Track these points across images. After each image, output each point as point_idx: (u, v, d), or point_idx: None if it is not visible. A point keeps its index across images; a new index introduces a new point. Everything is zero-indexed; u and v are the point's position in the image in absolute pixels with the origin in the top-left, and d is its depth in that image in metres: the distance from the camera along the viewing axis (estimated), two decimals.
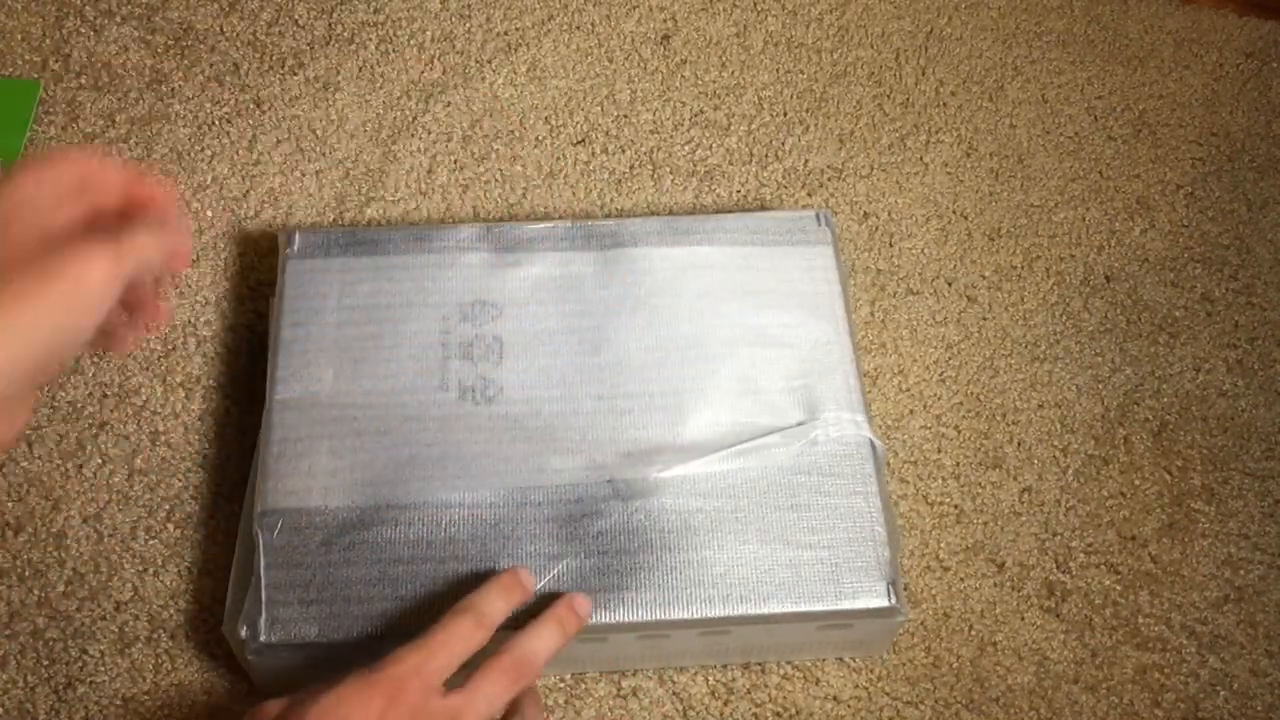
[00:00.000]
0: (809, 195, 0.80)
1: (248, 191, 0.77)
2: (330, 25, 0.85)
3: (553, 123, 0.82)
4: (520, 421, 0.63)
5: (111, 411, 0.68)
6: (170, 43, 0.83)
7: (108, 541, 0.64)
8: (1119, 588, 0.68)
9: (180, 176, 0.77)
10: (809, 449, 0.63)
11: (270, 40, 0.84)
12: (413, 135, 0.80)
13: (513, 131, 0.81)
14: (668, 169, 0.81)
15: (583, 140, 0.82)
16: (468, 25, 0.86)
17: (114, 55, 0.82)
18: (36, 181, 0.45)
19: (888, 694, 0.63)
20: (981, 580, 0.67)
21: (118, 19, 0.83)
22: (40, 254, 0.43)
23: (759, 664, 0.63)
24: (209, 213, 0.76)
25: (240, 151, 0.79)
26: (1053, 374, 0.75)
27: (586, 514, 0.61)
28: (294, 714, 0.49)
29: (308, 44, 0.84)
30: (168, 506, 0.66)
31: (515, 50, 0.85)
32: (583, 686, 0.62)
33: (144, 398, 0.69)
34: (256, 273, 0.74)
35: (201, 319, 0.72)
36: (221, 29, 0.84)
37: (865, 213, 0.80)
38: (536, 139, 0.81)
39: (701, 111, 0.84)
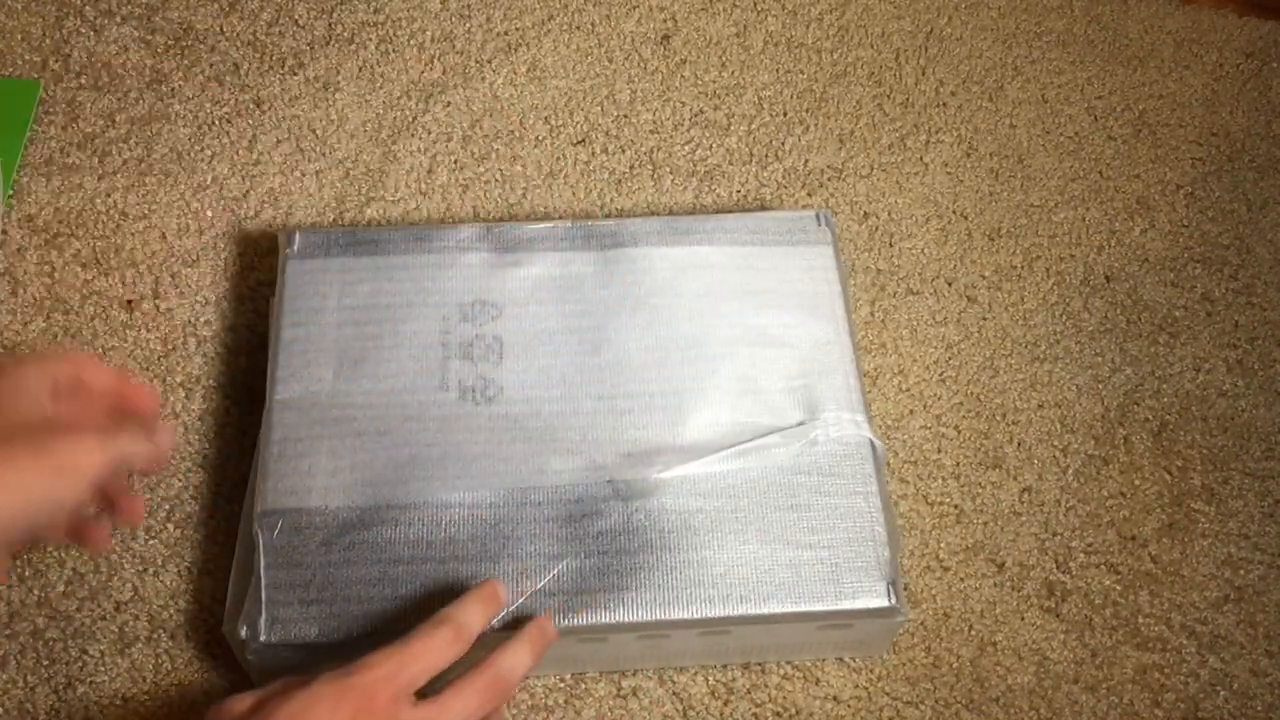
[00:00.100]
0: (809, 195, 0.80)
1: (248, 191, 0.77)
2: (330, 25, 0.85)
3: (553, 123, 0.82)
4: (520, 421, 0.63)
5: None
6: (170, 43, 0.83)
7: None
8: (1119, 588, 0.68)
9: (180, 176, 0.77)
10: (809, 449, 0.63)
11: (270, 40, 0.84)
12: (413, 135, 0.81)
13: (513, 131, 0.82)
14: (668, 169, 0.81)
15: (583, 140, 0.82)
16: (468, 25, 0.86)
17: (114, 55, 0.82)
18: (38, 372, 0.52)
19: (888, 694, 0.63)
20: (981, 580, 0.67)
21: (118, 19, 0.83)
22: (36, 433, 0.49)
23: (759, 664, 0.63)
24: (209, 213, 0.76)
25: (240, 151, 0.79)
26: (1053, 374, 0.75)
27: (586, 514, 0.61)
28: (261, 715, 0.48)
29: (308, 44, 0.84)
30: (168, 506, 0.66)
31: (515, 50, 0.85)
32: (583, 686, 0.62)
33: None
34: (256, 273, 0.74)
35: (201, 319, 0.72)
36: (221, 29, 0.84)
37: (865, 213, 0.80)
38: (536, 139, 0.81)
39: (701, 111, 0.84)
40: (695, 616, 0.59)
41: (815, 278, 0.70)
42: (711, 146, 0.82)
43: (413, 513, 0.61)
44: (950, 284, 0.78)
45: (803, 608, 0.59)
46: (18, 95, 0.79)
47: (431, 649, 0.52)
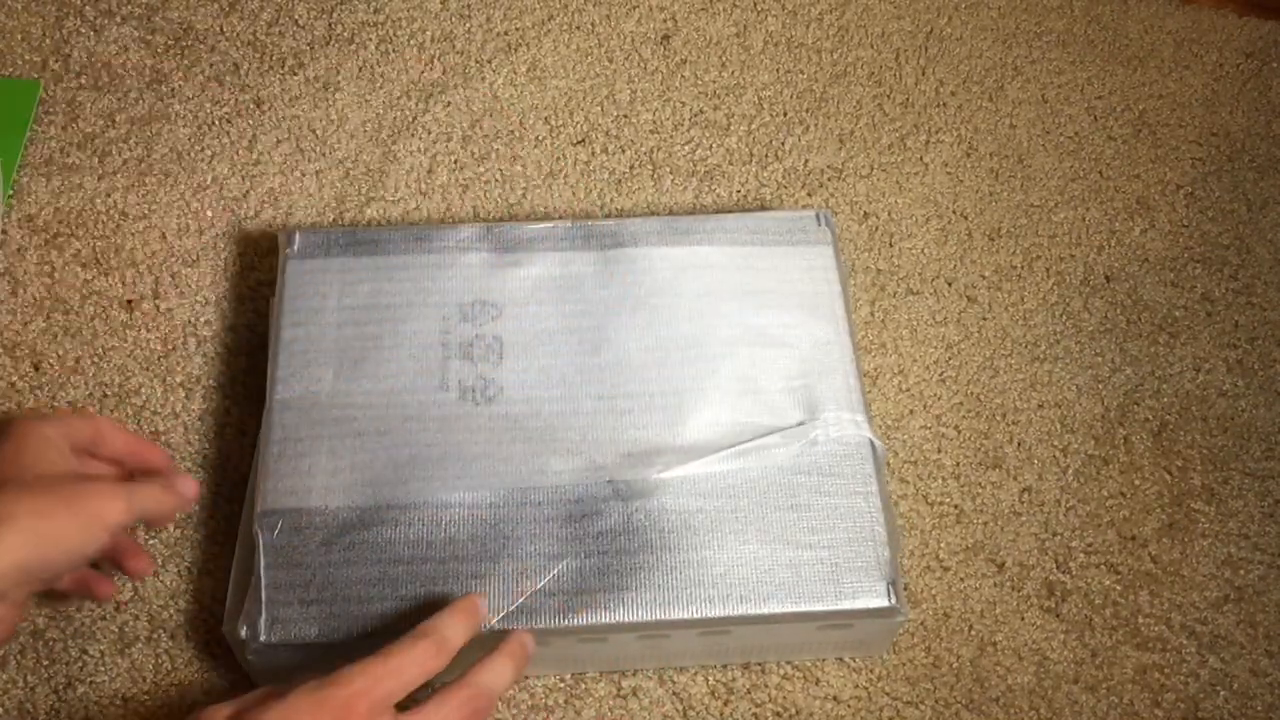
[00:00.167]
0: (809, 195, 0.80)
1: (248, 191, 0.77)
2: (330, 25, 0.85)
3: (553, 123, 0.82)
4: (520, 422, 0.63)
5: (111, 411, 0.68)
6: (170, 43, 0.83)
7: None
8: (1119, 588, 0.68)
9: (180, 176, 0.77)
10: (809, 449, 0.63)
11: (270, 40, 0.84)
12: (413, 135, 0.81)
13: (513, 131, 0.82)
14: (668, 169, 0.81)
15: (583, 140, 0.82)
16: (468, 25, 0.86)
17: (114, 55, 0.82)
18: (59, 430, 0.55)
19: (888, 694, 0.63)
20: (981, 580, 0.67)
21: (118, 19, 0.83)
22: (64, 484, 0.52)
23: (759, 664, 0.63)
24: (209, 213, 0.76)
25: (240, 151, 0.79)
26: (1053, 374, 0.75)
27: (586, 514, 0.61)
28: None
29: (308, 44, 0.84)
30: None
31: (515, 50, 0.85)
32: (583, 686, 0.62)
33: (144, 398, 0.69)
34: (256, 273, 0.74)
35: (201, 319, 0.72)
36: (221, 29, 0.84)
37: (865, 213, 0.80)
38: (536, 139, 0.81)
39: (701, 111, 0.84)
40: (695, 616, 0.59)
41: (815, 278, 0.69)
42: (711, 146, 0.82)
43: (413, 513, 0.61)
44: (950, 284, 0.78)
45: (803, 608, 0.59)
46: (18, 95, 0.79)
47: (411, 662, 0.51)
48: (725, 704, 0.62)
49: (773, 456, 0.63)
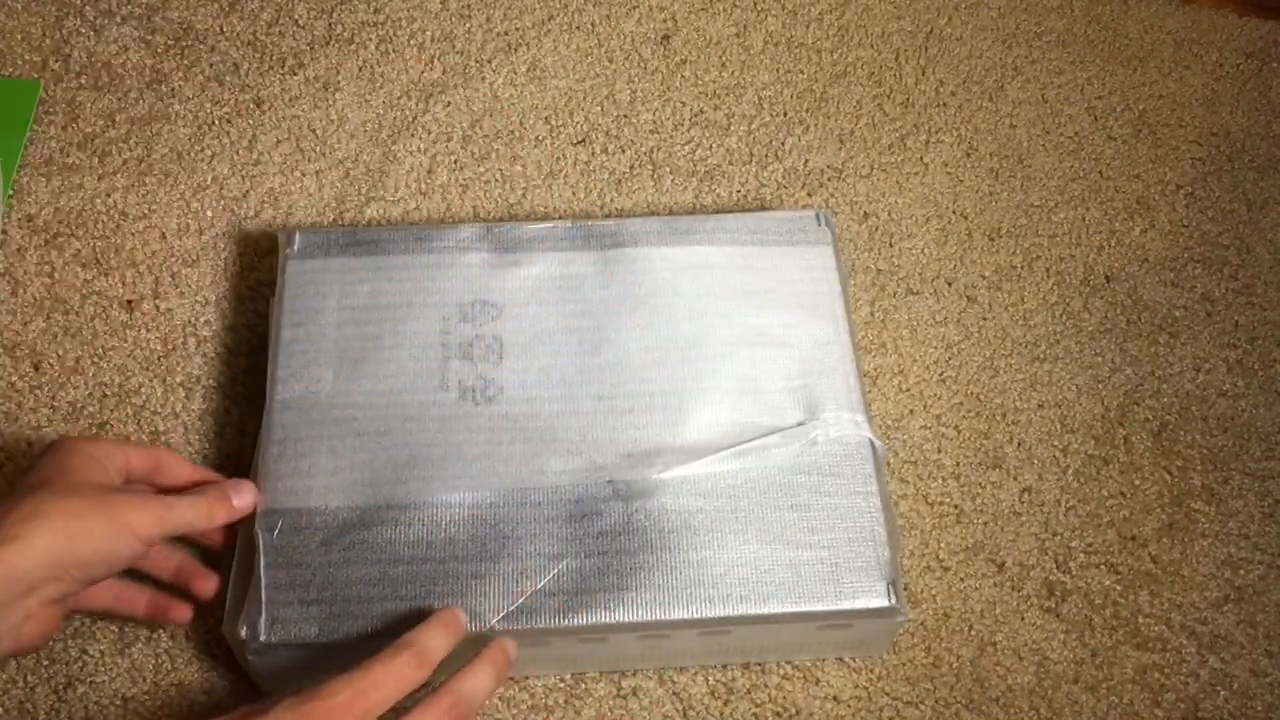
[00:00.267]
0: (809, 195, 0.80)
1: (248, 191, 0.77)
2: (330, 25, 0.85)
3: (553, 123, 0.82)
4: (520, 422, 0.63)
5: (112, 411, 0.68)
6: (170, 43, 0.83)
7: None
8: (1119, 588, 0.68)
9: (180, 176, 0.77)
10: (809, 449, 0.63)
11: (270, 40, 0.84)
12: (413, 135, 0.81)
13: (513, 131, 0.82)
14: (668, 169, 0.81)
15: (583, 140, 0.82)
16: (468, 25, 0.86)
17: (114, 55, 0.82)
18: (114, 450, 0.56)
19: (888, 694, 0.63)
20: (981, 580, 0.67)
21: (118, 19, 0.83)
22: (102, 492, 0.53)
23: (759, 664, 0.63)
24: (209, 213, 0.76)
25: (240, 151, 0.79)
26: (1053, 374, 0.75)
27: (587, 514, 0.61)
28: None
29: (308, 44, 0.84)
30: None
31: (515, 50, 0.85)
32: (583, 686, 0.62)
33: (144, 398, 0.69)
34: (256, 273, 0.74)
35: (201, 319, 0.72)
36: (221, 29, 0.84)
37: (865, 213, 0.80)
38: (536, 139, 0.81)
39: (701, 111, 0.84)
40: (695, 616, 0.59)
41: (815, 278, 0.70)
42: (711, 146, 0.82)
43: (413, 513, 0.61)
44: (950, 284, 0.78)
45: (803, 608, 0.59)
46: (18, 95, 0.79)
47: (393, 674, 0.51)
48: (725, 704, 0.62)
49: (773, 456, 0.63)
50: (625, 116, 0.83)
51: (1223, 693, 0.65)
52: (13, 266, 0.73)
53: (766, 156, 0.82)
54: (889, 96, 0.86)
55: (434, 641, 0.54)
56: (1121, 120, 0.86)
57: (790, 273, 0.70)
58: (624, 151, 0.81)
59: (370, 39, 0.84)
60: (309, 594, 0.58)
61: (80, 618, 0.62)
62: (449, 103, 0.82)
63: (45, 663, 0.61)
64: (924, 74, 0.87)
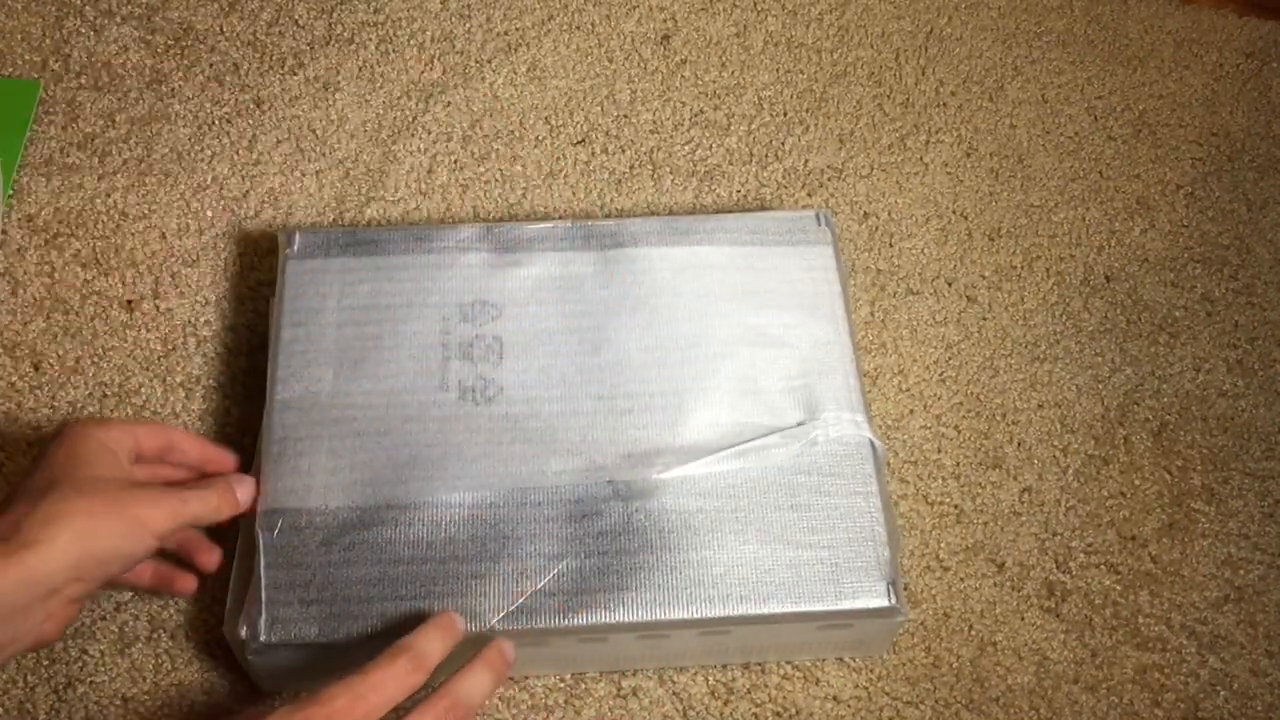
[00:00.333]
0: (809, 195, 0.80)
1: (248, 191, 0.77)
2: (330, 25, 0.85)
3: (553, 123, 0.82)
4: (520, 422, 0.63)
5: (112, 411, 0.68)
6: (170, 43, 0.83)
7: None
8: (1119, 588, 0.68)
9: (180, 176, 0.77)
10: (809, 449, 0.63)
11: (270, 40, 0.84)
12: (413, 135, 0.81)
13: (513, 131, 0.82)
14: (668, 169, 0.81)
15: (583, 140, 0.82)
16: (468, 25, 0.86)
17: (114, 55, 0.82)
18: (122, 434, 0.57)
19: (888, 694, 0.63)
20: (981, 580, 0.67)
21: (118, 19, 0.83)
22: (114, 489, 0.54)
23: (759, 664, 0.63)
24: (209, 213, 0.76)
25: (240, 151, 0.79)
26: (1053, 374, 0.75)
27: (587, 514, 0.61)
28: None
29: (308, 44, 0.84)
30: None
31: (515, 50, 0.85)
32: (583, 686, 0.62)
33: (144, 398, 0.69)
34: (256, 273, 0.74)
35: (201, 319, 0.72)
36: (221, 29, 0.84)
37: (865, 213, 0.80)
38: (536, 139, 0.81)
39: (701, 111, 0.84)
40: (695, 616, 0.59)
41: (815, 278, 0.70)
42: (711, 146, 0.82)
43: (413, 513, 0.61)
44: (950, 284, 0.78)
45: (803, 608, 0.59)
46: (18, 95, 0.79)
47: (390, 678, 0.51)
48: (725, 704, 0.62)
49: (773, 456, 0.63)
50: (625, 116, 0.83)
51: (1223, 693, 0.65)
52: (13, 266, 0.73)
53: (766, 156, 0.82)
54: (889, 96, 0.86)
55: (431, 645, 0.54)
56: (1121, 120, 0.86)
57: (790, 273, 0.70)
58: (624, 151, 0.81)
59: (370, 39, 0.84)
60: (309, 594, 0.58)
61: (81, 618, 0.62)
62: (449, 103, 0.82)
63: (45, 663, 0.61)
64: (924, 74, 0.87)
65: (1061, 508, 0.70)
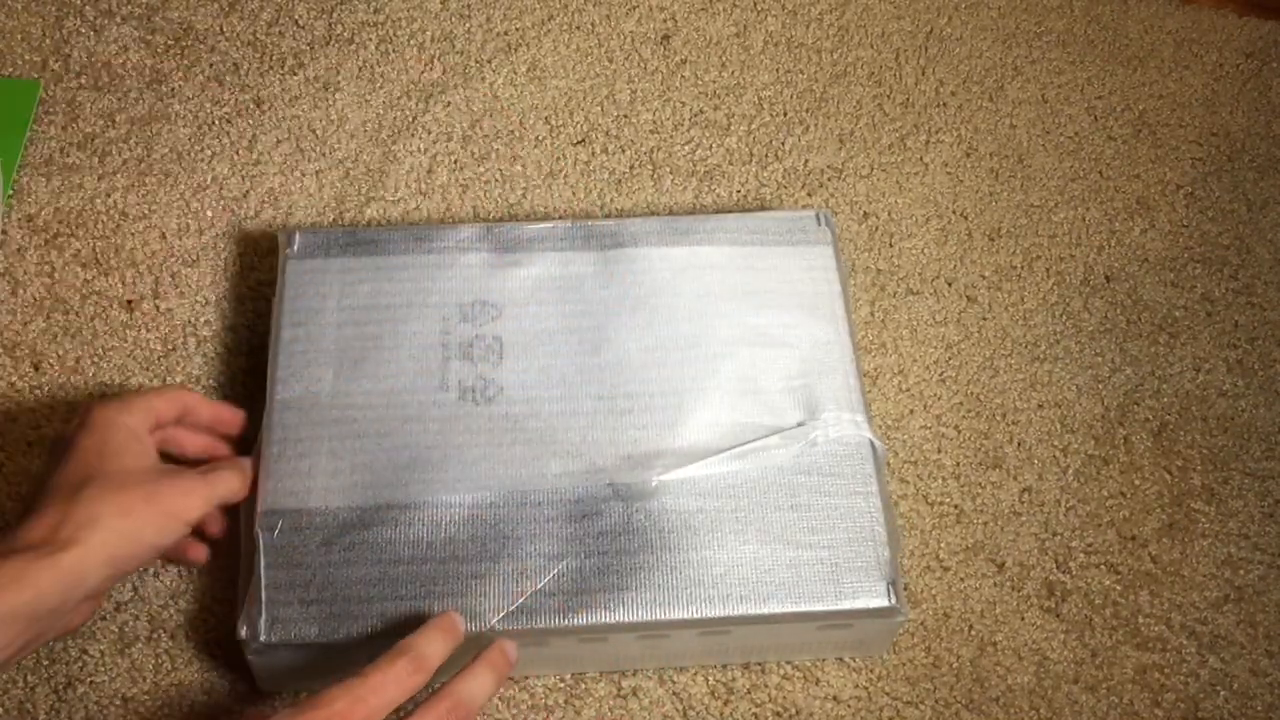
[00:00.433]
0: (809, 195, 0.80)
1: (248, 191, 0.77)
2: (330, 25, 0.85)
3: (553, 123, 0.82)
4: (520, 422, 0.63)
5: None
6: (170, 43, 0.83)
7: None
8: (1119, 588, 0.68)
9: (180, 176, 0.77)
10: (809, 449, 0.63)
11: (270, 40, 0.84)
12: (413, 135, 0.80)
13: (513, 131, 0.82)
14: (668, 169, 0.81)
15: (583, 140, 0.82)
16: (468, 25, 0.86)
17: (114, 55, 0.82)
18: (142, 411, 0.58)
19: (888, 694, 0.63)
20: (981, 580, 0.67)
21: (118, 19, 0.83)
22: (146, 480, 0.55)
23: (759, 664, 0.63)
24: (209, 213, 0.76)
25: (240, 151, 0.79)
26: (1053, 374, 0.75)
27: (587, 514, 0.61)
28: None
29: (308, 44, 0.84)
30: None
31: (515, 50, 0.85)
32: (583, 686, 0.62)
33: None
34: (256, 273, 0.74)
35: (201, 319, 0.72)
36: (221, 29, 0.84)
37: (865, 213, 0.80)
38: (536, 139, 0.81)
39: (701, 111, 0.84)
40: (695, 616, 0.59)
41: (815, 278, 0.70)
42: (711, 146, 0.82)
43: (413, 513, 0.61)
44: (950, 284, 0.78)
45: (803, 608, 0.59)
46: (18, 95, 0.79)
47: (391, 680, 0.51)
48: (725, 704, 0.62)
49: (773, 457, 0.63)
50: (625, 116, 0.83)
51: (1223, 693, 0.65)
52: (13, 266, 0.73)
53: (766, 156, 0.82)
54: (889, 96, 0.86)
55: (431, 646, 0.54)
56: (1121, 120, 0.86)
57: (790, 273, 0.70)
58: (624, 151, 0.81)
59: (370, 39, 0.84)
60: (309, 594, 0.58)
61: None
62: (449, 103, 0.82)
63: (45, 663, 0.61)
64: (924, 74, 0.87)
65: (1061, 508, 0.70)
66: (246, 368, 0.70)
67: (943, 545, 0.68)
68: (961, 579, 0.67)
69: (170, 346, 0.71)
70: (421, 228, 0.70)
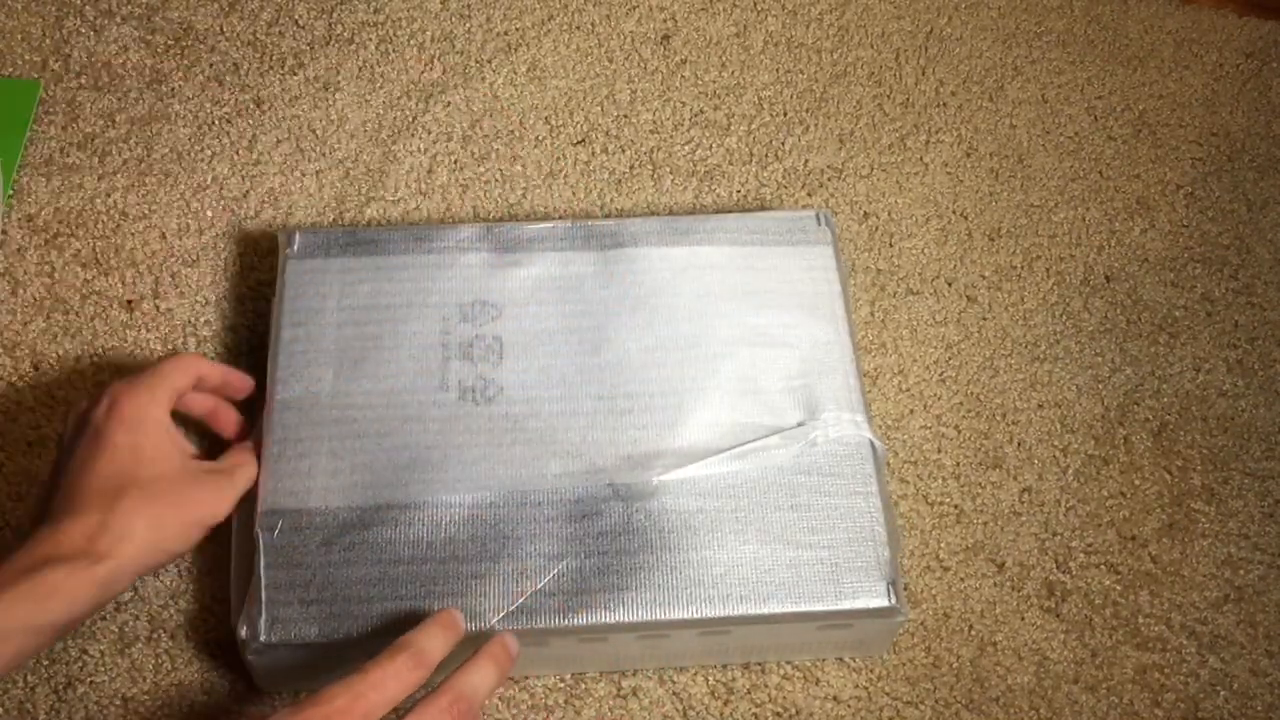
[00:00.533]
0: (809, 195, 0.80)
1: (248, 191, 0.77)
2: (330, 25, 0.85)
3: (553, 123, 0.82)
4: (520, 422, 0.63)
5: None
6: (170, 43, 0.83)
7: None
8: (1119, 588, 0.68)
9: (180, 176, 0.77)
10: (809, 449, 0.63)
11: (270, 40, 0.84)
12: (413, 135, 0.81)
13: (513, 131, 0.82)
14: (668, 169, 0.81)
15: (583, 140, 0.82)
16: (468, 25, 0.86)
17: (114, 55, 0.82)
18: (169, 398, 0.60)
19: (888, 694, 0.63)
20: (981, 580, 0.67)
21: (118, 19, 0.83)
22: (176, 485, 0.58)
23: (759, 664, 0.63)
24: (209, 213, 0.76)
25: (240, 151, 0.79)
26: (1053, 374, 0.75)
27: (587, 514, 0.61)
28: None
29: (308, 44, 0.84)
30: None
31: (515, 50, 0.85)
32: (583, 686, 0.62)
33: None
34: (256, 273, 0.74)
35: (201, 319, 0.72)
36: (221, 29, 0.84)
37: (865, 213, 0.80)
38: (536, 139, 0.81)
39: (701, 111, 0.84)
40: (695, 616, 0.59)
41: (815, 278, 0.70)
42: (711, 146, 0.82)
43: (413, 513, 0.61)
44: (950, 284, 0.78)
45: (803, 608, 0.59)
46: (18, 95, 0.79)
47: (391, 676, 0.51)
48: (725, 704, 0.62)
49: (773, 457, 0.63)
50: (625, 116, 0.83)
51: (1223, 693, 0.65)
52: (13, 266, 0.73)
53: (766, 156, 0.82)
54: (889, 96, 0.86)
55: (432, 642, 0.53)
56: (1121, 120, 0.86)
57: (790, 273, 0.70)
58: (624, 151, 0.81)
59: (370, 39, 0.84)
60: (309, 594, 0.58)
61: None
62: (449, 103, 0.82)
63: (45, 663, 0.61)
64: (924, 74, 0.87)
65: (1061, 508, 0.70)
66: (246, 368, 0.70)
67: (943, 545, 0.68)
68: (961, 579, 0.67)
69: (170, 346, 0.71)
70: (421, 228, 0.70)
